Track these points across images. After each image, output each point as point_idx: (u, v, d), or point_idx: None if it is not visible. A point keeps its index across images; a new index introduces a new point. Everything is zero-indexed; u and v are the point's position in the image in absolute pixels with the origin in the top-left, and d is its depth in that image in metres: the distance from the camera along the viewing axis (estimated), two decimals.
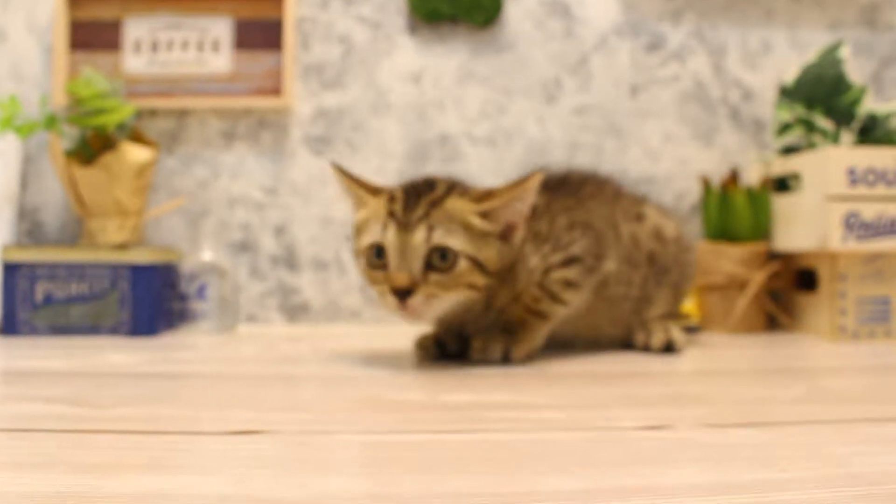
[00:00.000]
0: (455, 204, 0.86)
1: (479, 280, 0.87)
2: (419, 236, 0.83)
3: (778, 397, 0.72)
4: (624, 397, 0.71)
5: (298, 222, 1.36)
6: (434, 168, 1.36)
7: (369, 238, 0.86)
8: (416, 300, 0.84)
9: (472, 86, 1.38)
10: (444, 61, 1.38)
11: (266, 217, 1.36)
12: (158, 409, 0.65)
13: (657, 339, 1.02)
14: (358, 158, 1.36)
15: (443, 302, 0.86)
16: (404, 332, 1.15)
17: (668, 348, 1.01)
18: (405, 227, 0.84)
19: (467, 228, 0.85)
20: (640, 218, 1.06)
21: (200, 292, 1.27)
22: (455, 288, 0.85)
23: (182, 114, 1.37)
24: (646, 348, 1.03)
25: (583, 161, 1.38)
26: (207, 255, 1.28)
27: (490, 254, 0.87)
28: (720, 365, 0.93)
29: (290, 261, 1.36)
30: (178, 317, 1.27)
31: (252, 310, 1.36)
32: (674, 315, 1.09)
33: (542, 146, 1.38)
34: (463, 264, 0.85)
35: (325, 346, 1.08)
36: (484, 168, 1.37)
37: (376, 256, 0.86)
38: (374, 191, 0.91)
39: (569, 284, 0.94)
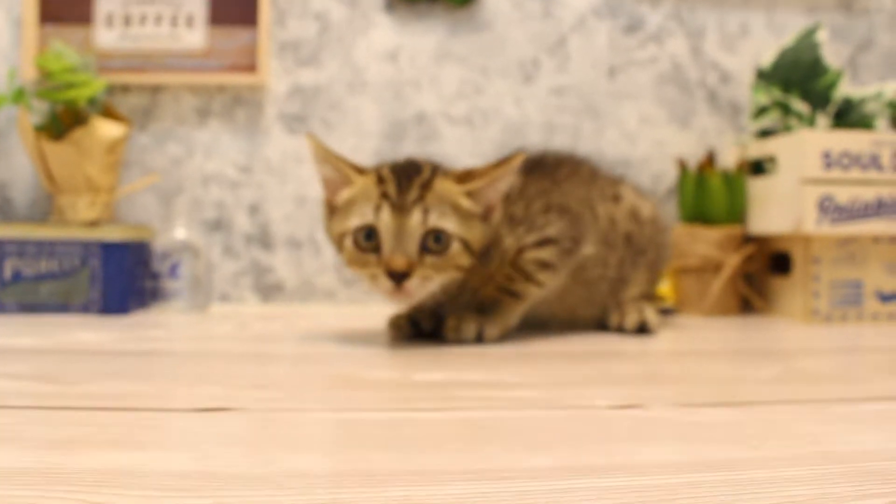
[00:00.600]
0: (443, 185, 0.86)
1: (465, 261, 0.87)
2: (416, 218, 0.83)
3: (751, 377, 0.72)
4: (597, 377, 0.71)
5: (273, 201, 1.35)
6: (410, 148, 1.35)
7: (357, 220, 0.85)
8: (412, 283, 0.83)
9: (449, 65, 1.37)
10: (422, 40, 1.37)
11: (240, 195, 1.35)
12: (127, 386, 0.64)
13: (631, 319, 1.02)
14: (334, 137, 1.35)
15: (434, 283, 0.85)
16: (379, 313, 1.15)
17: (642, 329, 1.01)
18: (401, 209, 0.83)
19: (457, 210, 0.85)
20: (616, 199, 1.06)
21: (173, 271, 1.25)
22: (446, 269, 0.85)
23: (155, 90, 1.35)
24: (619, 329, 1.03)
25: (560, 142, 1.37)
26: (180, 233, 1.26)
27: (475, 234, 0.87)
28: (694, 346, 0.93)
29: (264, 240, 1.35)
30: (150, 295, 1.25)
31: (225, 289, 1.35)
32: (650, 296, 1.09)
33: (519, 127, 1.38)
34: (455, 246, 0.85)
35: (299, 326, 1.07)
36: (460, 148, 1.36)
37: (366, 239, 0.85)
38: (359, 169, 0.89)
39: (544, 265, 0.94)
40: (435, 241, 0.84)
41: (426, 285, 0.85)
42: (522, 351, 0.86)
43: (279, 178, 1.35)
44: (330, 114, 1.35)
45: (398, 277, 0.82)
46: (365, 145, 1.35)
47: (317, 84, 1.35)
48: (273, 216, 1.35)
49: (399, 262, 0.82)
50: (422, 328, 0.98)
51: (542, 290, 0.96)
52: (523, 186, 0.96)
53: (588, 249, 0.99)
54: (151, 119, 1.35)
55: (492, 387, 0.66)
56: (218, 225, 1.35)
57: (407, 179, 0.85)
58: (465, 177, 0.88)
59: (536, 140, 1.37)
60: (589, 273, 1.01)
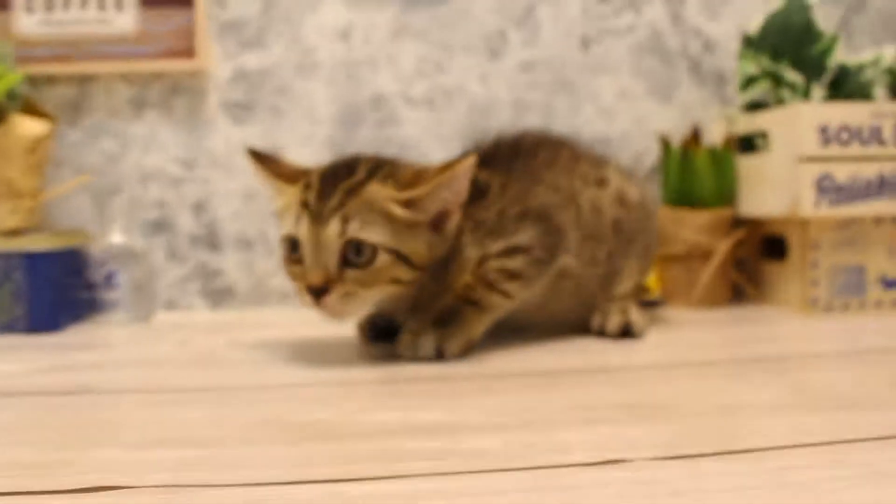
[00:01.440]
0: (375, 191, 0.77)
1: (405, 274, 0.78)
2: (332, 229, 0.75)
3: (755, 402, 0.61)
4: (571, 409, 0.60)
5: (219, 197, 1.23)
6: (368, 134, 1.23)
7: (284, 229, 0.79)
8: (331, 299, 0.75)
9: (406, 42, 1.25)
10: (376, 15, 1.24)
11: (183, 193, 1.23)
12: (6, 454, 0.53)
13: (613, 322, 0.92)
14: (284, 125, 1.23)
15: (363, 300, 0.77)
16: None
17: (626, 332, 0.91)
18: (318, 218, 0.76)
19: (388, 219, 0.77)
20: (601, 183, 0.95)
21: (110, 279, 1.14)
22: (376, 284, 0.77)
23: (84, 80, 1.22)
24: (601, 332, 0.92)
25: (531, 122, 1.26)
26: (118, 237, 1.15)
27: (416, 246, 0.78)
28: (682, 354, 0.83)
29: (211, 240, 1.23)
30: (87, 307, 1.14)
31: (172, 295, 1.23)
32: (641, 288, 0.98)
33: (486, 106, 1.26)
34: (384, 258, 0.76)
35: (247, 339, 0.96)
36: (423, 132, 1.25)
37: (292, 250, 0.79)
38: (294, 177, 0.82)
39: (511, 275, 0.84)
40: (356, 254, 0.76)
41: (351, 302, 0.77)
42: (488, 370, 0.76)
43: (225, 172, 1.23)
44: (278, 100, 1.23)
45: (317, 293, 0.75)
46: (318, 133, 1.24)
47: (263, 68, 1.23)
48: (220, 214, 1.23)
49: (315, 277, 0.75)
50: (380, 331, 0.91)
51: (511, 303, 0.85)
52: (500, 187, 0.87)
53: (566, 261, 0.89)
54: (81, 113, 1.22)
55: (449, 432, 0.55)
56: (160, 226, 1.23)
57: (332, 185, 0.78)
58: (412, 180, 0.79)
59: (505, 121, 1.25)
60: (576, 277, 0.91)
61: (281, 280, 1.23)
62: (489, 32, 1.26)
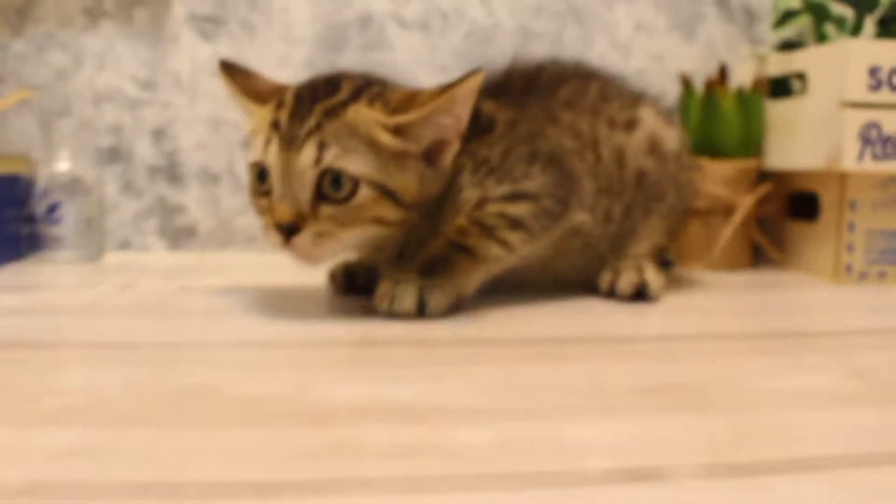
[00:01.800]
0: (360, 113, 0.65)
1: (391, 214, 0.67)
2: (307, 156, 0.64)
3: (809, 389, 0.49)
4: (580, 392, 0.48)
5: (182, 124, 1.09)
6: (352, 58, 1.09)
7: (251, 155, 0.68)
8: (302, 239, 0.64)
9: None
10: None
11: (141, 117, 1.09)
12: None
13: (626, 281, 0.79)
14: (257, 44, 1.09)
15: (340, 241, 0.66)
16: None
17: (640, 294, 0.78)
18: (289, 143, 0.64)
19: (373, 147, 0.65)
20: (630, 125, 0.82)
21: (53, 212, 1.00)
22: (356, 223, 0.66)
23: None
24: (611, 293, 0.80)
25: (538, 53, 1.12)
26: (64, 165, 1.01)
27: (406, 180, 0.67)
28: (704, 324, 0.70)
29: (171, 172, 1.09)
30: (28, 244, 1.00)
31: (125, 234, 1.10)
32: (661, 251, 0.86)
33: (487, 33, 1.12)
34: (365, 193, 0.65)
35: (204, 285, 0.83)
36: (415, 58, 1.10)
37: (259, 180, 0.67)
38: (269, 95, 0.70)
39: (513, 223, 0.71)
40: (334, 187, 0.64)
41: (325, 243, 0.65)
42: (478, 335, 0.63)
43: (190, 95, 1.09)
44: (252, 15, 1.09)
45: (286, 231, 0.64)
46: (295, 55, 1.09)
47: None
48: (183, 143, 1.09)
49: (284, 213, 0.64)
50: (357, 281, 0.80)
51: (510, 256, 0.72)
52: (508, 124, 0.74)
53: (580, 217, 0.77)
54: (28, 21, 1.07)
55: (424, 418, 0.43)
56: (114, 155, 1.09)
57: (309, 104, 0.66)
58: (404, 103, 0.67)
59: (506, 50, 1.11)
60: (586, 234, 0.79)
61: (249, 220, 1.10)
62: None
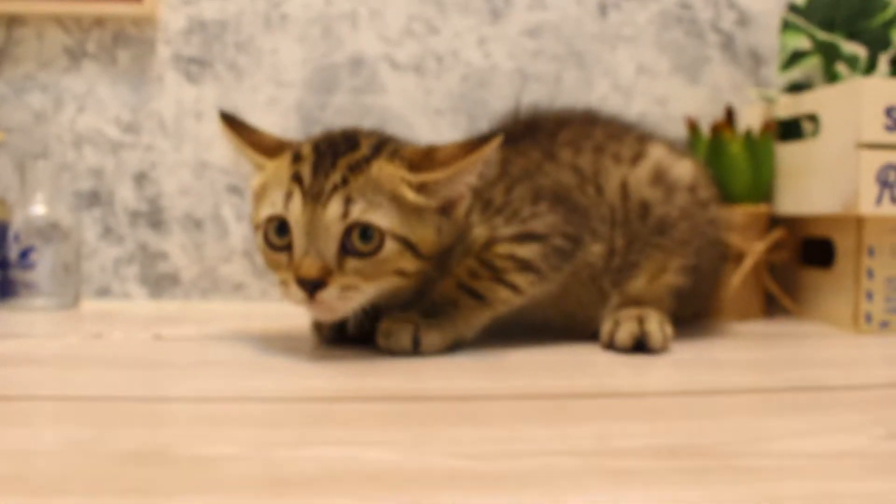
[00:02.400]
0: (384, 170, 0.66)
1: (411, 265, 0.67)
2: (334, 210, 0.63)
3: (847, 452, 0.43)
4: (582, 451, 0.42)
5: (165, 168, 1.05)
6: (343, 101, 1.05)
7: (268, 209, 0.66)
8: (328, 294, 0.63)
9: None
10: None
11: (123, 161, 1.04)
12: None
13: (624, 332, 0.73)
14: (244, 87, 1.05)
15: (363, 294, 0.65)
16: (298, 311, 0.85)
17: (640, 346, 0.72)
18: (316, 197, 0.64)
19: (397, 202, 0.66)
20: (636, 159, 0.79)
21: (26, 257, 0.95)
22: (380, 276, 0.65)
23: (12, 22, 1.04)
24: (610, 345, 0.74)
25: (535, 96, 1.08)
26: (39, 209, 0.96)
27: (426, 233, 0.67)
28: (721, 377, 0.64)
29: (154, 218, 1.04)
30: (4, 289, 0.95)
31: (106, 281, 1.04)
32: (678, 293, 0.79)
33: (484, 76, 1.08)
34: (391, 246, 0.65)
35: (182, 334, 0.78)
36: (409, 102, 1.06)
37: (277, 234, 0.66)
38: (275, 149, 0.70)
39: (523, 266, 0.70)
40: (362, 240, 0.64)
41: (351, 297, 0.64)
42: (472, 389, 0.57)
43: (174, 138, 1.04)
44: (239, 56, 1.05)
45: (311, 287, 0.63)
46: (284, 97, 1.05)
47: (223, 18, 1.05)
48: (166, 188, 1.05)
49: (310, 268, 0.63)
50: (347, 331, 0.75)
51: (519, 298, 0.71)
52: (504, 162, 0.73)
53: (595, 248, 0.75)
54: (7, 61, 1.04)
55: (403, 487, 0.36)
56: (94, 198, 1.04)
57: (332, 158, 0.65)
58: (422, 162, 0.67)
59: (504, 93, 1.07)
60: (591, 268, 0.76)
61: (234, 267, 1.05)
62: None
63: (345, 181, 0.64)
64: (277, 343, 0.74)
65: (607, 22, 1.10)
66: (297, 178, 0.65)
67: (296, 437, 0.45)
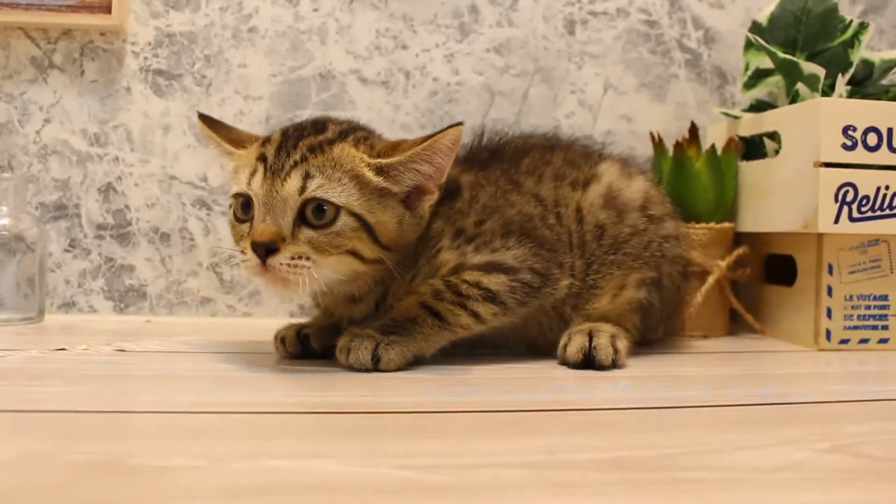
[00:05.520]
0: (346, 151, 0.69)
1: (368, 250, 0.69)
2: (292, 184, 0.66)
3: (792, 465, 0.43)
4: (533, 463, 0.42)
5: (133, 181, 1.04)
6: (311, 115, 1.05)
7: (235, 188, 0.70)
8: (280, 258, 0.65)
9: (363, 10, 1.07)
10: None
11: (90, 173, 1.04)
12: None
13: (574, 347, 0.74)
14: (212, 100, 1.05)
15: (316, 268, 0.66)
16: (263, 326, 0.85)
17: (588, 360, 0.73)
18: (276, 172, 0.67)
19: (356, 181, 0.68)
20: (589, 182, 0.81)
21: None
22: (333, 251, 0.67)
23: None
24: (564, 361, 0.74)
25: (503, 112, 1.09)
26: (4, 221, 0.96)
27: (385, 219, 0.69)
28: (678, 392, 0.65)
29: (120, 231, 1.04)
30: None
31: (70, 294, 1.04)
32: (640, 308, 0.80)
33: (452, 92, 1.09)
34: (345, 220, 0.67)
35: (142, 348, 0.77)
36: (377, 117, 1.07)
37: (242, 210, 0.70)
38: (249, 140, 0.75)
39: (488, 297, 0.71)
40: (315, 214, 0.66)
41: (302, 269, 0.65)
42: (429, 402, 0.57)
43: (141, 151, 1.04)
44: (207, 70, 1.05)
45: (263, 251, 0.65)
46: (253, 111, 1.05)
47: (192, 30, 1.05)
48: (133, 201, 1.04)
49: (263, 233, 0.65)
50: (312, 346, 0.76)
51: (480, 327, 0.72)
52: (472, 185, 0.76)
53: (565, 282, 0.77)
54: None
55: (353, 499, 0.37)
56: (60, 210, 1.03)
57: (295, 140, 0.69)
58: (388, 149, 0.71)
59: (472, 109, 1.08)
60: (556, 298, 0.77)
61: (201, 281, 1.04)
62: (459, 6, 1.09)
63: (304, 159, 0.67)
64: (241, 357, 0.74)
65: (574, 39, 1.11)
66: (261, 158, 0.68)
67: (251, 449, 0.45)
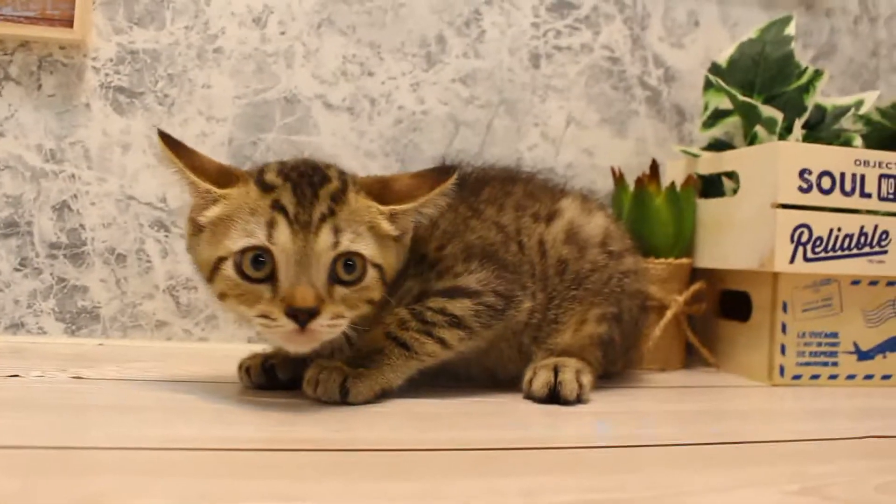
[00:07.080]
0: (358, 201, 0.67)
1: (378, 294, 0.68)
2: (324, 239, 0.63)
3: None
4: None
5: (88, 199, 1.02)
6: (275, 139, 1.05)
7: (242, 240, 0.63)
8: (320, 322, 0.62)
9: (330, 35, 1.07)
10: (298, 0, 1.06)
11: (44, 190, 1.01)
12: None
13: (539, 382, 0.74)
14: (174, 120, 1.03)
15: (343, 324, 0.65)
16: (222, 352, 0.84)
17: (554, 395, 0.73)
18: (305, 226, 0.63)
19: (373, 231, 0.67)
20: (550, 217, 0.82)
21: None
22: (361, 305, 0.66)
23: None
24: (529, 395, 0.75)
25: (466, 142, 1.09)
26: None
27: (391, 260, 0.69)
28: (641, 430, 0.66)
29: (74, 251, 1.01)
30: None
31: (20, 315, 1.00)
32: (602, 343, 0.81)
33: (417, 120, 1.09)
34: (371, 274, 0.66)
35: (98, 375, 0.75)
36: (341, 142, 1.06)
37: (254, 266, 0.63)
38: (222, 176, 0.67)
39: (453, 322, 0.71)
40: (346, 269, 0.65)
41: (336, 326, 0.64)
42: (398, 439, 0.57)
43: (99, 169, 1.02)
44: (170, 89, 1.03)
45: (303, 317, 0.61)
46: (215, 132, 1.04)
47: (155, 48, 1.03)
48: (88, 220, 1.02)
49: (306, 297, 0.61)
50: (278, 376, 0.74)
51: (446, 353, 0.72)
52: (433, 217, 0.74)
53: (527, 304, 0.77)
54: None
55: None
56: (11, 228, 1.00)
57: (310, 188, 0.65)
58: (381, 191, 0.69)
59: (436, 137, 1.08)
60: (517, 323, 0.77)
61: (157, 304, 1.02)
62: (426, 36, 1.10)
63: (332, 212, 0.64)
64: (203, 387, 0.73)
65: (539, 72, 1.13)
66: (278, 208, 0.63)
67: (227, 489, 0.44)
